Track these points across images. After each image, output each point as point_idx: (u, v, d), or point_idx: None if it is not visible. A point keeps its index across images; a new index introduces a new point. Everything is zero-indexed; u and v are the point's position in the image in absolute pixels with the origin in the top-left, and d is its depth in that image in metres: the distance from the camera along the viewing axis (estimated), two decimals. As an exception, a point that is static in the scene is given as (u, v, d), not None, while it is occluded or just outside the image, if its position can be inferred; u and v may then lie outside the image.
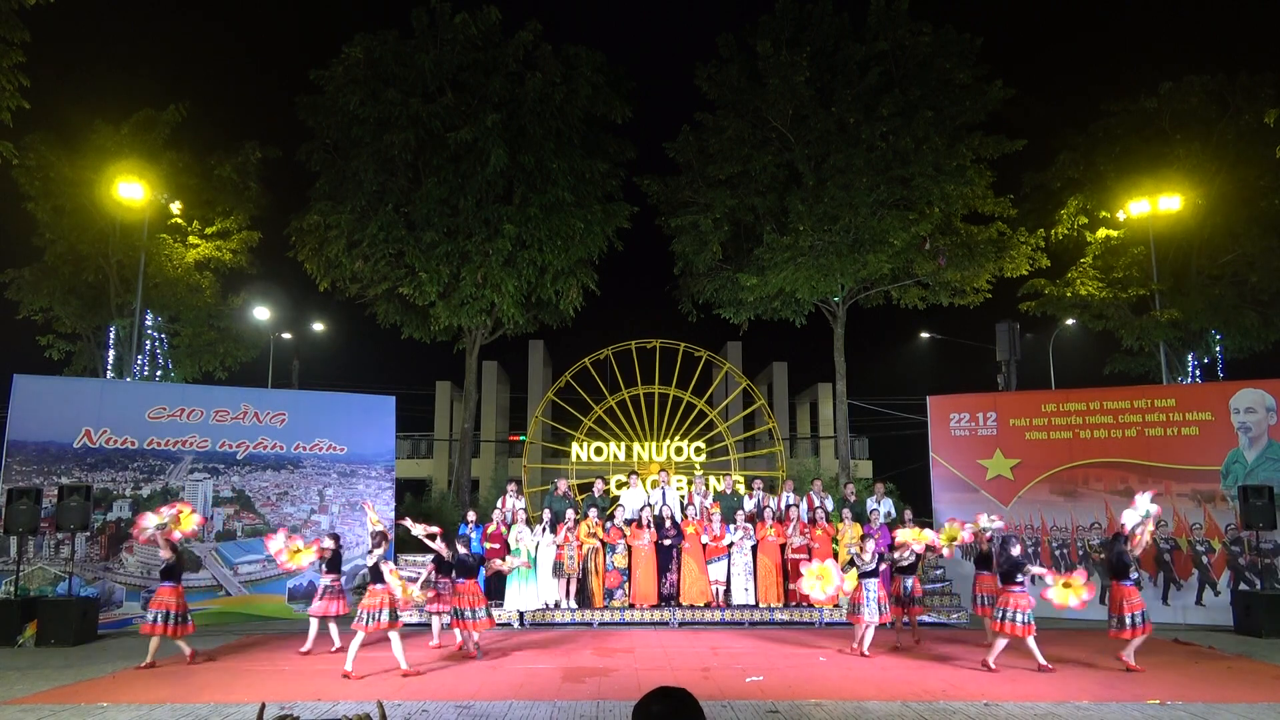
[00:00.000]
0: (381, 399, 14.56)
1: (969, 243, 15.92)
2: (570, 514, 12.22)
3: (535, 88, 15.36)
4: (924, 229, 15.09)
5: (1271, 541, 11.84)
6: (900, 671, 8.83)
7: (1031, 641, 8.65)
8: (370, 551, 9.08)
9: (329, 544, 10.27)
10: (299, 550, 10.03)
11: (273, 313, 21.79)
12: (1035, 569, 9.00)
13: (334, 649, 9.93)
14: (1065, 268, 17.93)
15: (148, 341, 17.16)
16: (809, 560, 12.00)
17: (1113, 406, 13.15)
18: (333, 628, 10.16)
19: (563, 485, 13.43)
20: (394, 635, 8.71)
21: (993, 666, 8.73)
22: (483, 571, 10.06)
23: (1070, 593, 8.90)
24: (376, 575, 8.86)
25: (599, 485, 13.53)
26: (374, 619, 8.58)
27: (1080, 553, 12.80)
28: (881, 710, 7.12)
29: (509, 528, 12.05)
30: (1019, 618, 8.63)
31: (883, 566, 9.98)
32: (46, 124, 16.12)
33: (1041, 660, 8.66)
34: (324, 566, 10.20)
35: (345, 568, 13.29)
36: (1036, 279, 17.37)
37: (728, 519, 12.31)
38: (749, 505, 12.77)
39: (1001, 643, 8.78)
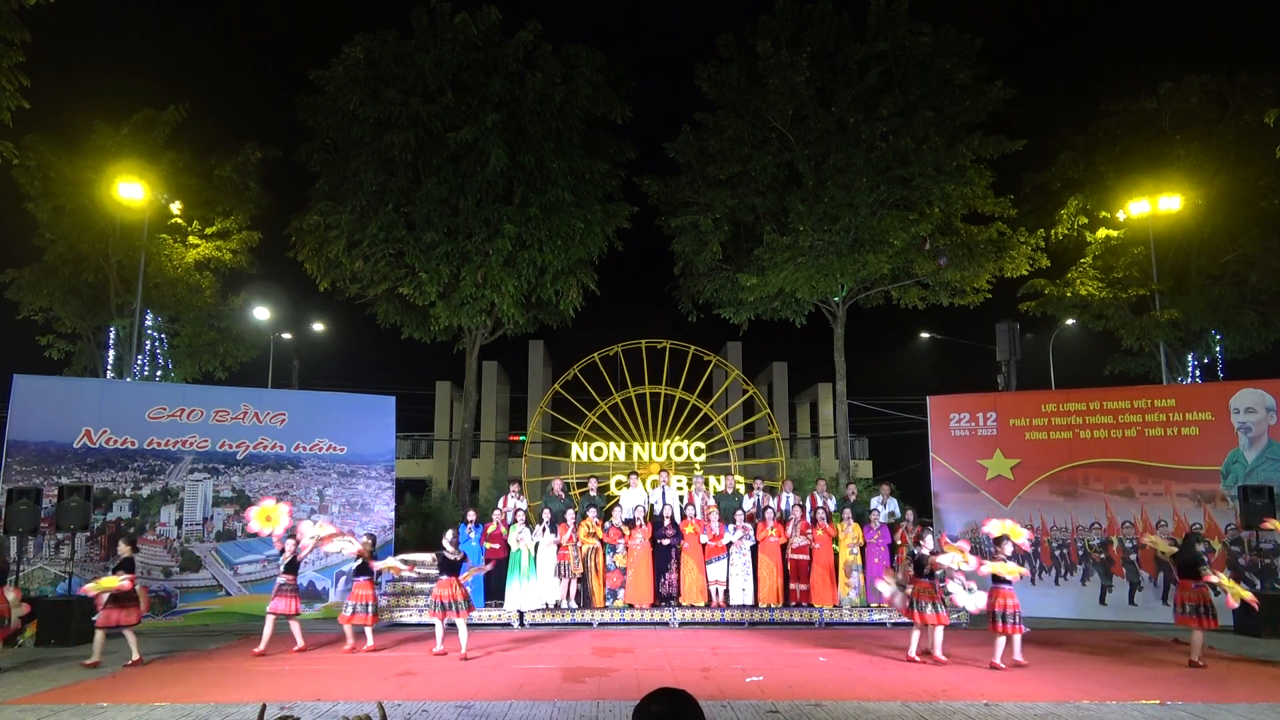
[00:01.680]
0: (381, 399, 14.56)
1: (969, 243, 15.92)
2: (571, 514, 12.22)
3: (535, 88, 15.37)
4: (924, 229, 15.09)
5: (1271, 541, 11.83)
6: (900, 671, 8.82)
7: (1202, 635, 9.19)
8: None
9: (364, 541, 10.55)
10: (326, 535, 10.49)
11: (273, 313, 21.78)
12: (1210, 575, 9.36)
13: (296, 648, 10.01)
14: (1065, 268, 17.93)
15: (148, 341, 17.16)
16: (808, 560, 12.06)
17: (1113, 406, 13.14)
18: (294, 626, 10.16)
19: (557, 485, 13.43)
20: (461, 622, 9.65)
21: (1200, 663, 9.07)
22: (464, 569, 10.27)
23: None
24: (449, 568, 9.74)
25: (593, 484, 13.54)
26: (453, 607, 9.59)
27: (1080, 553, 12.80)
28: (881, 710, 7.12)
29: (509, 528, 12.06)
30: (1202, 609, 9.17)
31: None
32: (46, 124, 16.15)
33: (1194, 657, 9.10)
34: (283, 567, 10.26)
35: (346, 568, 13.34)
36: (1036, 279, 17.36)
37: (727, 519, 12.30)
38: (748, 505, 12.76)
39: (1199, 637, 9.14)
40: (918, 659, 9.26)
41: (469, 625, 9.92)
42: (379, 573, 10.82)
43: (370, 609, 10.17)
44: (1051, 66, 41.14)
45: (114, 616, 9.28)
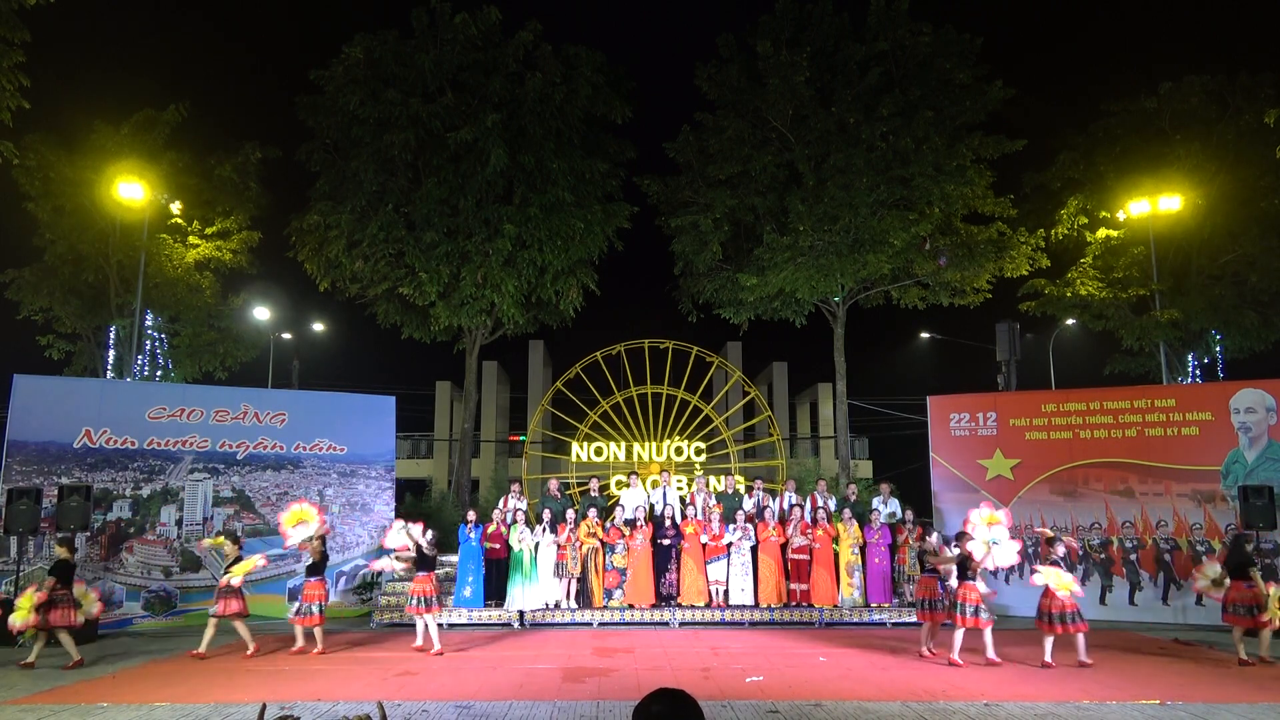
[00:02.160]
0: (381, 399, 14.56)
1: (969, 243, 15.93)
2: (571, 514, 12.22)
3: (535, 88, 15.37)
4: (924, 229, 15.10)
5: (1271, 541, 11.83)
6: (900, 671, 8.82)
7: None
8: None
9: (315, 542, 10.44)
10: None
11: (273, 313, 21.79)
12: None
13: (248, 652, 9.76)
14: (1065, 268, 17.94)
15: (148, 341, 17.17)
16: (809, 560, 12.05)
17: (1113, 406, 13.14)
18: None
19: (553, 485, 13.43)
20: (430, 619, 9.93)
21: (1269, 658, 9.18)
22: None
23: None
24: (426, 564, 10.11)
25: (594, 484, 13.54)
26: (434, 602, 9.95)
27: (1080, 553, 12.79)
28: (881, 710, 7.12)
29: (509, 528, 12.06)
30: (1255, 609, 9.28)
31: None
32: (46, 124, 16.16)
33: (1242, 655, 9.20)
34: (223, 569, 10.17)
35: (345, 568, 13.39)
36: (1036, 279, 17.36)
37: (728, 519, 12.30)
38: (749, 505, 12.76)
39: (1266, 634, 9.23)
40: (960, 662, 9.10)
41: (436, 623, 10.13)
42: (379, 572, 10.79)
43: (316, 609, 9.97)
44: (1051, 66, 41.19)
45: (47, 619, 9.31)
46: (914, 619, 11.76)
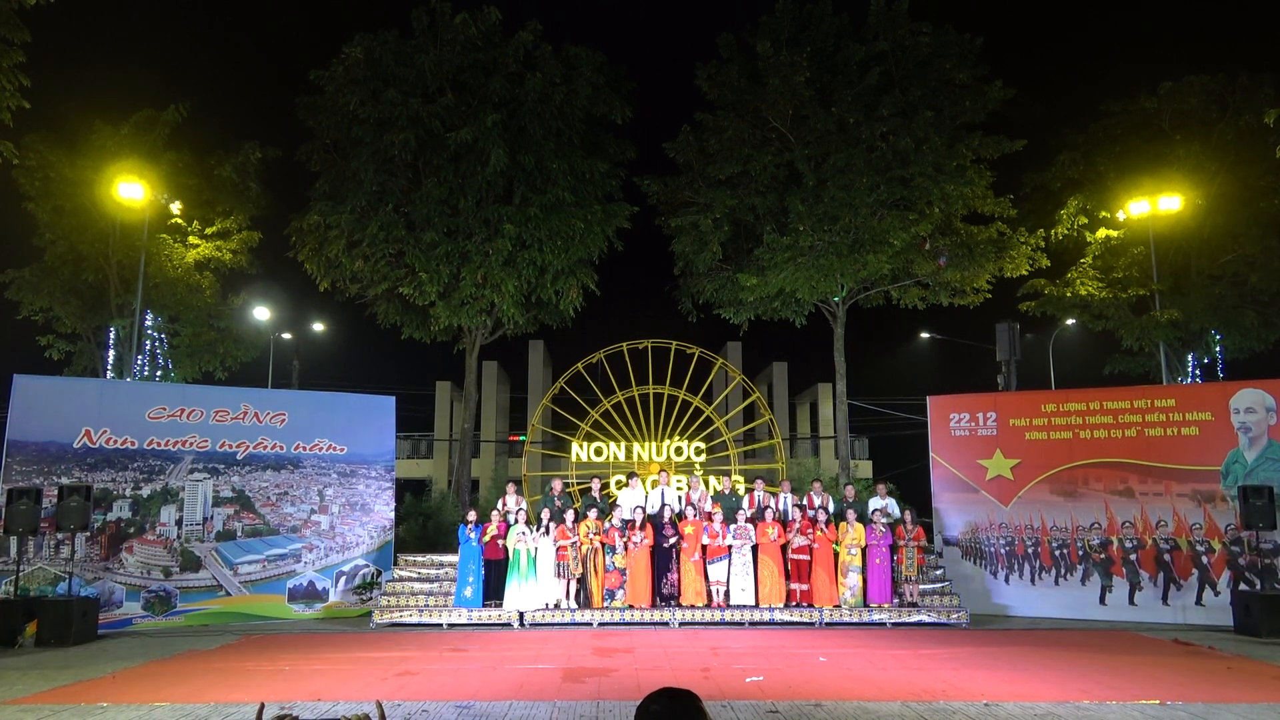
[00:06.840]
0: (381, 399, 14.57)
1: (969, 243, 15.93)
2: (570, 514, 12.22)
3: (535, 88, 15.37)
4: (924, 229, 15.11)
5: (1271, 541, 11.83)
6: (900, 671, 8.82)
7: None
8: None
9: None
10: None
11: (273, 313, 21.80)
12: None
13: None
14: (1065, 268, 17.94)
15: (148, 341, 17.17)
16: (809, 560, 12.07)
17: (1113, 406, 13.14)
18: None
19: (557, 485, 13.43)
20: None
21: None
22: None
23: None
24: None
25: (595, 484, 13.54)
26: None
27: (1080, 553, 12.80)
28: (881, 710, 7.11)
29: (509, 528, 12.06)
30: None
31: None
32: (46, 124, 16.17)
33: None
34: None
35: (345, 568, 13.40)
36: (1036, 279, 17.38)
37: (728, 519, 12.30)
38: (749, 506, 12.75)
39: None
40: None
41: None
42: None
43: None
44: (1052, 66, 41.21)
45: None
46: (914, 619, 11.80)
